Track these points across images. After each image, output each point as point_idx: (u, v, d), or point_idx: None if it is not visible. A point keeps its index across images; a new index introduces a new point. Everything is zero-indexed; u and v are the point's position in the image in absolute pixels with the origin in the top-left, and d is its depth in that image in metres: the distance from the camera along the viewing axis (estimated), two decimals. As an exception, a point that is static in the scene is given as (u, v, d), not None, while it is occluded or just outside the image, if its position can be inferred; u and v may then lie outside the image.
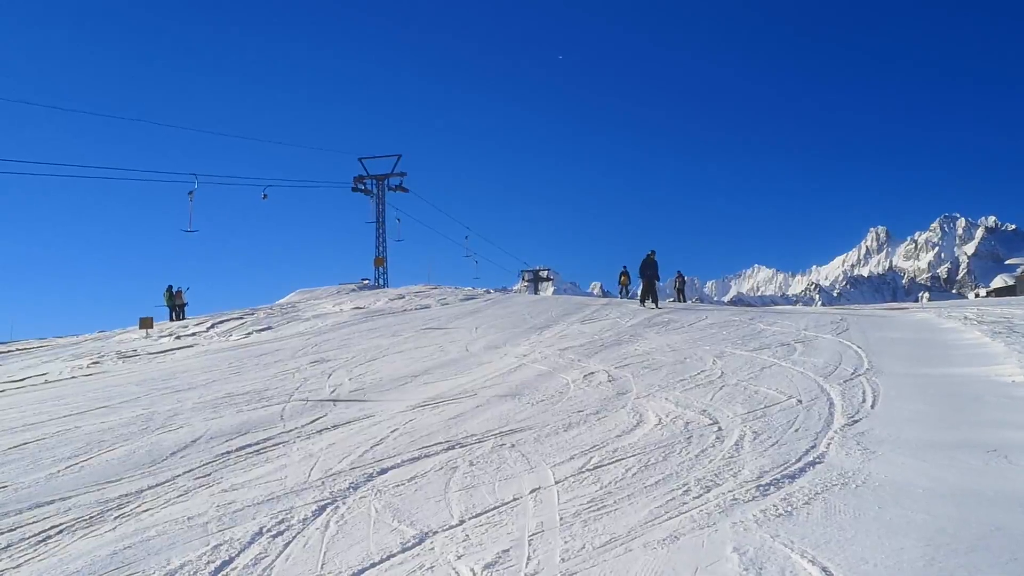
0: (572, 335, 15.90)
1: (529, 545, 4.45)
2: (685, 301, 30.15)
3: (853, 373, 9.59)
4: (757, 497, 4.98)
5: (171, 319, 28.74)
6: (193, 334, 21.23)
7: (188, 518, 5.33)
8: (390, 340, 16.50)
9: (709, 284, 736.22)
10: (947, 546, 4.02)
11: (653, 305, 21.94)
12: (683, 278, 30.78)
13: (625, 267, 32.32)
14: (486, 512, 5.10)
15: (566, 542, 4.45)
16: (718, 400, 8.29)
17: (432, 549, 4.50)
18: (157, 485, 6.23)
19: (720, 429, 6.94)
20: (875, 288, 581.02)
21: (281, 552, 4.61)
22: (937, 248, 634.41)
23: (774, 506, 4.78)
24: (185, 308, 29.94)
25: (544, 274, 78.02)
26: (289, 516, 5.25)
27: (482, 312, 22.59)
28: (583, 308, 22.31)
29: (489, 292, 34.03)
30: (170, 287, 29.92)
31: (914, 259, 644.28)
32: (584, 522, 4.76)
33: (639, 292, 24.46)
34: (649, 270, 22.74)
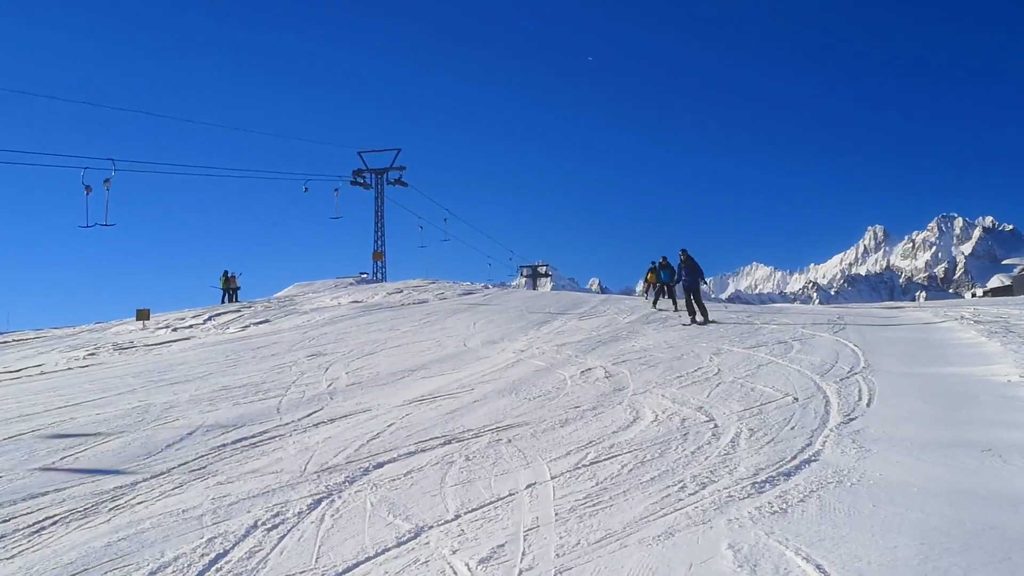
0: (570, 331, 15.91)
1: (524, 540, 4.45)
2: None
3: (849, 371, 9.60)
4: (752, 494, 4.99)
5: (223, 301, 30.22)
6: (190, 326, 21.20)
7: (183, 510, 5.32)
8: (387, 334, 16.48)
9: (707, 281, 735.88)
10: (941, 545, 4.02)
11: (703, 319, 16.46)
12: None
13: (654, 263, 23.09)
14: (482, 507, 5.11)
15: (561, 537, 4.45)
16: (714, 397, 8.30)
17: (427, 544, 4.50)
18: (152, 477, 6.22)
19: (716, 426, 6.95)
20: (872, 287, 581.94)
21: (276, 545, 4.61)
22: (934, 248, 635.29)
23: (769, 503, 4.79)
24: (238, 292, 31.53)
25: (542, 270, 77.94)
26: (284, 509, 5.25)
27: (480, 307, 22.58)
28: (581, 304, 22.33)
29: (487, 287, 34.02)
30: (226, 272, 31.52)
31: (911, 258, 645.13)
32: (579, 518, 4.77)
33: (678, 300, 19.63)
34: (691, 273, 17.07)
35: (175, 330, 20.58)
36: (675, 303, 20.42)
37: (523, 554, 4.24)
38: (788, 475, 5.37)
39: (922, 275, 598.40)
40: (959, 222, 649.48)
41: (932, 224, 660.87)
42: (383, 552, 4.40)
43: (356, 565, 4.24)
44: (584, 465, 5.92)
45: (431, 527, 4.77)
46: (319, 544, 4.59)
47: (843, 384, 8.73)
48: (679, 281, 17.53)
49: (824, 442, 6.21)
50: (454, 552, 4.33)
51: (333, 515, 5.10)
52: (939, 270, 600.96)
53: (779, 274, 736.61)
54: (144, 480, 6.14)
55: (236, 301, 29.98)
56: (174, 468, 6.48)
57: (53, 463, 6.78)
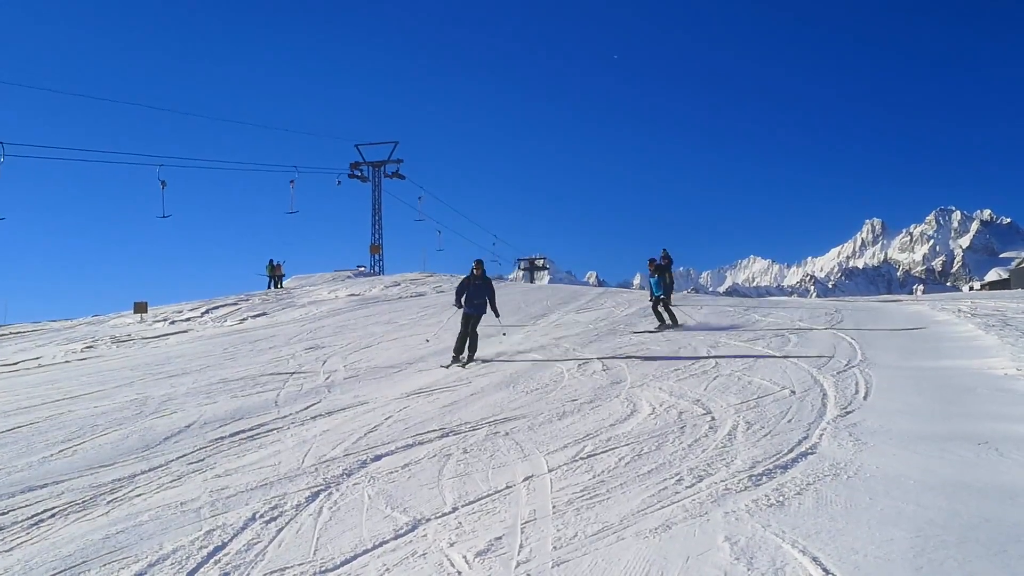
0: (567, 324, 15.91)
1: (522, 533, 4.46)
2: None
3: (846, 365, 9.61)
4: (749, 487, 5.00)
5: (269, 287, 32.55)
6: (188, 319, 21.18)
7: (181, 503, 5.33)
8: (385, 327, 16.49)
9: (705, 274, 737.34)
10: (937, 537, 4.04)
11: (671, 322, 14.88)
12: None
13: (653, 260, 20.63)
14: (479, 500, 5.11)
15: (559, 530, 4.46)
16: (712, 390, 8.31)
17: (425, 536, 4.51)
18: (150, 470, 6.23)
19: (713, 419, 6.96)
20: (870, 280, 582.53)
21: (274, 538, 4.62)
22: (932, 241, 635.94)
23: (766, 496, 4.80)
24: (283, 279, 33.89)
25: (540, 263, 77.95)
26: (282, 502, 5.25)
27: (477, 300, 22.54)
28: (578, 297, 22.32)
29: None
30: (271, 260, 33.89)
31: (909, 252, 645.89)
32: (577, 510, 4.78)
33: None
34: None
35: (173, 323, 20.56)
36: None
37: (520, 547, 4.25)
38: (785, 468, 5.38)
39: (920, 268, 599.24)
40: (957, 215, 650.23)
41: (930, 217, 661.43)
42: (381, 544, 4.41)
43: (354, 557, 4.25)
44: (581, 458, 5.93)
45: (429, 520, 4.78)
46: (317, 537, 4.60)
47: (840, 377, 8.74)
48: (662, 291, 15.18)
49: (821, 435, 6.22)
50: (452, 545, 4.34)
51: (331, 508, 5.10)
52: (937, 263, 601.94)
53: (776, 267, 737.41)
54: (142, 472, 6.15)
55: (281, 287, 32.47)
56: (172, 461, 6.48)
57: (51, 456, 6.78)
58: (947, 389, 7.92)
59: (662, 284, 15.24)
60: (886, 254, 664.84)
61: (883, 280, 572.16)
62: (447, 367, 11.20)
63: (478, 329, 11.84)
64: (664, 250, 20.09)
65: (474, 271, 12.06)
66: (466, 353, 11.62)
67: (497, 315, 12.19)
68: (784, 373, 9.15)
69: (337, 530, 4.70)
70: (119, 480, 5.96)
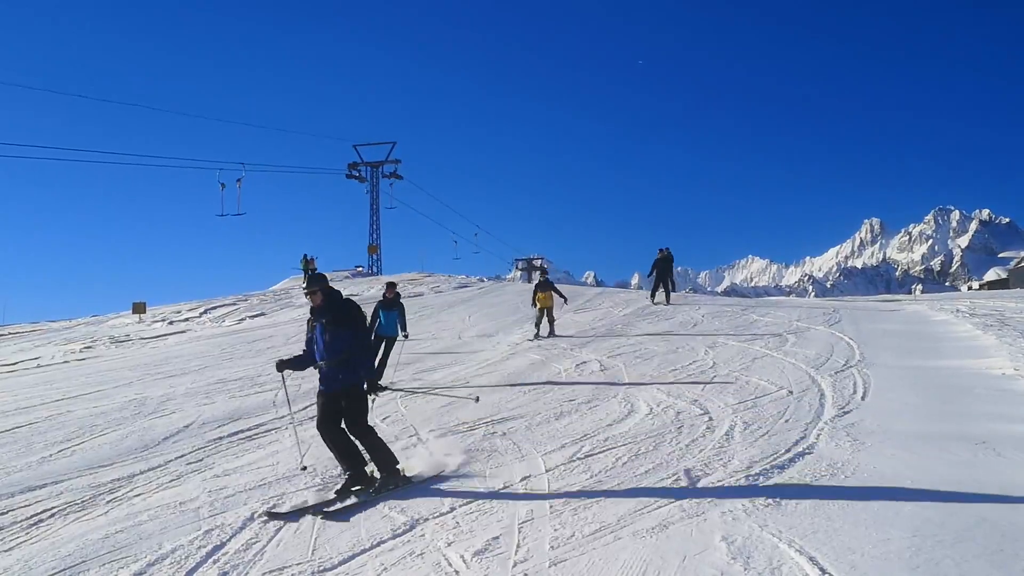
0: (565, 324, 15.92)
1: (519, 533, 4.47)
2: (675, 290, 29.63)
3: (844, 365, 9.62)
4: (746, 487, 5.01)
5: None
6: (186, 319, 21.18)
7: (180, 503, 5.34)
8: (384, 327, 16.46)
9: (703, 274, 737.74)
10: (934, 537, 4.05)
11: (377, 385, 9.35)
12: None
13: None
14: (477, 499, 5.12)
15: (556, 530, 4.47)
16: (709, 390, 8.32)
17: (422, 536, 4.52)
18: (149, 470, 6.24)
19: (711, 419, 6.97)
20: (868, 280, 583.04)
21: (272, 537, 4.63)
22: (931, 240, 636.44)
23: (763, 496, 4.81)
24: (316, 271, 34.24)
25: (538, 263, 77.90)
26: (281, 502, 5.26)
27: (475, 300, 22.60)
28: (576, 297, 22.32)
29: (483, 280, 34.04)
30: (305, 255, 34.85)
31: (908, 251, 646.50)
32: (574, 510, 4.78)
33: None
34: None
35: (171, 323, 20.56)
36: (667, 297, 20.16)
37: (518, 546, 4.26)
38: (782, 468, 5.39)
39: (918, 268, 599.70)
40: (956, 215, 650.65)
41: (929, 217, 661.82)
42: (379, 544, 4.42)
43: (352, 557, 4.26)
44: (579, 458, 5.94)
45: (426, 519, 4.79)
46: (315, 536, 4.61)
47: (838, 377, 8.75)
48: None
49: (818, 435, 6.23)
50: (449, 544, 4.35)
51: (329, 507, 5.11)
52: (936, 263, 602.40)
53: (775, 267, 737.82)
54: (141, 473, 6.16)
55: None
56: (171, 461, 6.49)
57: (50, 456, 6.79)
58: (945, 389, 7.93)
59: (400, 320, 10.49)
60: (885, 254, 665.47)
61: (882, 280, 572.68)
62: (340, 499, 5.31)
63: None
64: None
65: (306, 292, 5.96)
66: (365, 468, 5.54)
67: (375, 390, 6.64)
68: (782, 373, 9.16)
69: (335, 530, 4.70)
70: (118, 480, 5.97)
